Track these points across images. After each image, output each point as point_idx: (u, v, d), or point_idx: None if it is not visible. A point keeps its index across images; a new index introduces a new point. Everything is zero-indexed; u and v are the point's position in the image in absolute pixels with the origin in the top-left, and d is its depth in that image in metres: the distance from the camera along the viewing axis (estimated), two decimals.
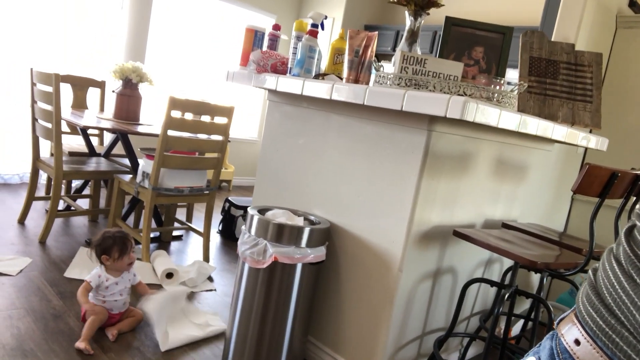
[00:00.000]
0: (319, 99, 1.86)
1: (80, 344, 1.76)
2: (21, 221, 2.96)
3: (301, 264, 1.68)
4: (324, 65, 1.91)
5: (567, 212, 2.97)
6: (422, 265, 1.76)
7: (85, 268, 2.42)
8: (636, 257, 0.42)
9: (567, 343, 0.45)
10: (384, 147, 1.68)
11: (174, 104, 2.43)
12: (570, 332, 0.46)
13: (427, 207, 1.67)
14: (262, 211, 1.80)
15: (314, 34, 1.71)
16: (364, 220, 1.75)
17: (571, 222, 2.98)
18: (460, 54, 1.61)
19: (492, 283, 1.83)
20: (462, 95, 1.44)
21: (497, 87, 1.51)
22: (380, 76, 1.57)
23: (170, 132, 2.48)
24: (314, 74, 1.73)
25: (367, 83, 1.61)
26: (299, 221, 1.79)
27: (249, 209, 1.79)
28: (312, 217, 1.86)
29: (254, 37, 1.90)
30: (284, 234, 1.66)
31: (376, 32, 1.62)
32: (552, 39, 2.68)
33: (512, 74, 3.37)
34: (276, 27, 1.92)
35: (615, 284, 0.43)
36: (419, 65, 1.45)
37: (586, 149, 2.91)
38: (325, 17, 1.76)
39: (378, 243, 1.71)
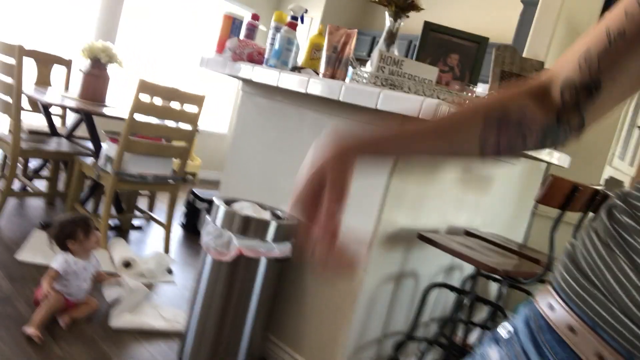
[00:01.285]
0: (294, 93, 1.84)
1: (30, 330, 1.67)
2: None
3: (266, 259, 1.66)
4: (300, 60, 1.90)
5: (527, 226, 3.05)
6: (385, 267, 1.76)
7: (39, 251, 2.32)
8: (614, 229, 0.45)
9: (541, 308, 0.48)
10: None
11: (144, 87, 2.36)
12: (544, 299, 0.48)
13: (394, 209, 1.68)
14: (228, 202, 1.77)
15: (293, 26, 1.70)
16: None
17: (531, 236, 3.07)
18: (436, 59, 1.63)
19: (452, 289, 1.86)
20: (435, 98, 1.45)
21: (470, 94, 1.53)
22: (356, 74, 1.57)
23: (138, 117, 2.41)
24: (290, 67, 1.71)
25: (344, 80, 1.61)
26: (266, 215, 1.76)
27: (214, 199, 1.75)
28: (278, 212, 1.83)
29: (232, 24, 1.87)
30: (250, 227, 1.63)
31: (355, 30, 1.62)
32: (524, 55, 2.76)
33: (482, 89, 3.45)
34: (255, 17, 1.89)
35: (592, 251, 0.45)
36: (396, 66, 1.46)
37: (548, 165, 3.01)
38: (306, 11, 1.74)
39: (344, 242, 1.70)
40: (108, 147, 2.54)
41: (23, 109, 2.59)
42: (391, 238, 1.72)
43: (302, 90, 1.55)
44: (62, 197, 3.17)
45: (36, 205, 3.03)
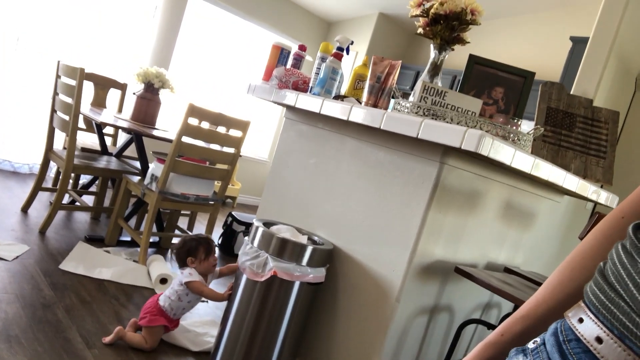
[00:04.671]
0: (336, 120, 1.88)
1: (108, 338, 1.80)
2: (24, 209, 2.96)
3: (299, 282, 1.66)
4: (343, 90, 1.94)
5: None
6: (420, 298, 1.73)
7: (81, 263, 2.41)
8: (638, 241, 0.46)
9: (571, 322, 0.48)
10: (394, 175, 1.68)
11: (193, 111, 2.46)
12: (575, 314, 0.49)
13: (431, 240, 1.66)
14: (267, 225, 1.80)
15: (338, 56, 1.74)
16: (367, 246, 1.74)
17: None
18: (480, 92, 1.63)
19: (489, 326, 1.80)
20: (478, 129, 1.45)
21: (514, 128, 1.52)
22: (399, 103, 1.59)
23: (185, 139, 2.51)
24: (333, 95, 1.75)
25: (386, 109, 1.63)
26: (303, 240, 1.78)
27: (254, 220, 1.78)
28: (315, 238, 1.85)
29: (280, 54, 1.94)
30: (286, 250, 1.64)
31: (400, 62, 1.65)
32: (571, 92, 2.71)
33: (526, 126, 3.39)
34: (302, 48, 1.96)
35: (617, 263, 0.47)
36: (439, 97, 1.47)
37: (595, 205, 2.90)
38: (352, 42, 1.79)
39: (379, 270, 1.69)
40: (155, 167, 2.64)
41: (79, 128, 2.74)
42: (427, 270, 1.69)
43: (344, 118, 1.58)
44: (108, 212, 3.30)
45: (82, 219, 3.17)
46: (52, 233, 2.74)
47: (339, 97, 1.73)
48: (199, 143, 2.75)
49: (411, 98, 1.59)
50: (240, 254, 1.73)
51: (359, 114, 1.55)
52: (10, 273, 2.12)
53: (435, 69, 1.62)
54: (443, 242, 1.72)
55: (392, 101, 1.57)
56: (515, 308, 1.70)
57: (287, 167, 2.12)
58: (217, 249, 3.19)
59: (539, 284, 1.87)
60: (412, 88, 4.92)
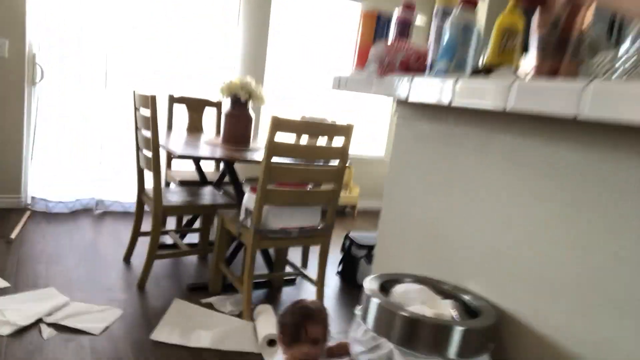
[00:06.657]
0: (479, 111, 1.18)
1: None
2: (127, 259, 2.71)
3: None
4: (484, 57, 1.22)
5: None
6: None
7: (177, 327, 2.01)
8: None
9: None
10: (603, 184, 0.94)
11: (278, 125, 1.93)
12: None
13: None
14: (385, 284, 1.18)
15: (470, 4, 1.05)
16: (564, 308, 1.02)
17: None
18: None
19: None
20: None
21: None
22: (601, 63, 0.86)
23: (275, 161, 1.99)
24: (471, 69, 1.06)
25: (574, 75, 0.89)
26: (445, 306, 1.12)
27: (365, 282, 1.17)
28: (464, 296, 1.18)
29: (376, 24, 1.30)
30: (420, 334, 1.01)
31: None
32: None
33: None
34: (409, 6, 1.29)
35: None
36: None
37: None
38: None
39: (594, 354, 0.96)
40: (248, 198, 2.17)
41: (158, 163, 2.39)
42: None
43: (502, 107, 0.88)
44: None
45: (188, 261, 2.84)
46: (153, 285, 2.42)
47: (480, 71, 1.04)
48: (296, 162, 2.22)
49: (623, 48, 0.84)
50: (352, 340, 1.13)
51: (533, 95, 0.85)
52: (95, 350, 1.78)
53: None
54: None
55: (595, 60, 0.83)
56: None
57: (406, 187, 1.47)
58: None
59: None
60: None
